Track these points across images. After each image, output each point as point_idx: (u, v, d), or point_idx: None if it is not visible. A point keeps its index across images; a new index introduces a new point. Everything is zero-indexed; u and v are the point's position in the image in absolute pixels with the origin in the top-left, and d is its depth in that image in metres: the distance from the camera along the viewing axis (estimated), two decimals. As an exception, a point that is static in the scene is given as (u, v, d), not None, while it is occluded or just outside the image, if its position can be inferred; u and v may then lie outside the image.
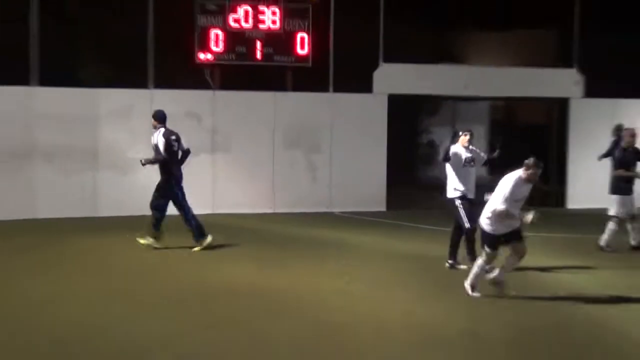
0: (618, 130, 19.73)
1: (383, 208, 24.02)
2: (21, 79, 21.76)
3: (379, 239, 19.27)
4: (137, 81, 22.96)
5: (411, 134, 29.57)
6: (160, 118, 17.31)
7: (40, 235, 18.04)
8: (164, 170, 17.21)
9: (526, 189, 12.90)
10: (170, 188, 17.28)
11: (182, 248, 17.25)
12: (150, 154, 17.48)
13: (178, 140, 17.31)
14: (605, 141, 22.40)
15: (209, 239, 17.12)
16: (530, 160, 12.78)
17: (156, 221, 17.40)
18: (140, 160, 17.37)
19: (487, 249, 12.90)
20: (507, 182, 13.14)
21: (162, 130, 17.10)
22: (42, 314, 11.96)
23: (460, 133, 15.73)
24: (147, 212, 20.12)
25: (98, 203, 21.54)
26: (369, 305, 12.59)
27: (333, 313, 12.06)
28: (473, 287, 12.91)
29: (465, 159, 15.49)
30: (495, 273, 12.83)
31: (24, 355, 10.04)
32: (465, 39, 32.62)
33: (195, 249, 16.97)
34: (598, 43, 25.76)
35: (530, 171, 12.60)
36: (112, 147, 21.93)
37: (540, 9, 27.45)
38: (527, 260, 14.04)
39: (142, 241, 17.05)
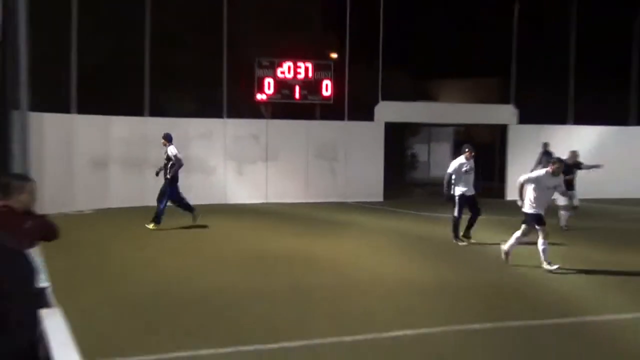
0: (545, 146, 19.85)
1: (381, 199, 23.71)
2: (137, 112, 21.84)
3: (378, 220, 19.14)
4: (215, 113, 23.02)
5: (400, 149, 29.28)
6: (169, 138, 17.15)
7: (147, 217, 17.73)
8: (173, 172, 16.99)
9: (554, 180, 12.51)
10: (171, 184, 16.98)
11: (244, 235, 17.42)
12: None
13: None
14: (533, 152, 22.77)
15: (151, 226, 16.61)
16: (554, 158, 13.42)
17: (186, 206, 17.40)
18: (156, 172, 17.35)
19: (537, 226, 12.32)
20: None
21: (172, 146, 17.01)
22: (147, 271, 12.35)
23: (466, 150, 15.50)
24: (224, 201, 20.55)
25: (189, 194, 21.68)
26: (371, 264, 12.85)
27: (348, 268, 12.36)
28: (507, 254, 12.66)
29: (467, 167, 15.38)
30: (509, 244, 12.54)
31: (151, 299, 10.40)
32: (436, 83, 32.67)
33: (149, 226, 16.58)
34: (528, 86, 25.88)
35: (555, 166, 12.41)
36: (198, 158, 21.88)
37: (488, 63, 27.55)
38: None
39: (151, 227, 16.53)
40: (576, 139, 25.07)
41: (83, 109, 20.62)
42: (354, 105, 24.47)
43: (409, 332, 8.38)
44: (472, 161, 15.53)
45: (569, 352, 7.74)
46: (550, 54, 26.11)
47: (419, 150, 33.25)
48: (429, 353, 7.66)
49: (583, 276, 11.84)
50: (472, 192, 15.54)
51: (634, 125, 26.54)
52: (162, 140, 17.21)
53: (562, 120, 26.05)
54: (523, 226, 12.77)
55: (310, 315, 9.13)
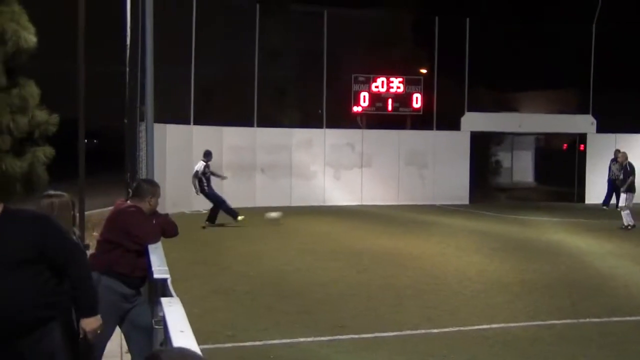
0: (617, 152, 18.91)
1: (467, 202, 23.52)
2: (247, 122, 22.23)
3: (464, 221, 18.86)
4: (315, 124, 23.32)
5: (485, 156, 29.12)
6: (206, 155, 17.33)
7: (255, 217, 17.67)
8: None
9: None
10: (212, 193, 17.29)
11: (342, 234, 17.41)
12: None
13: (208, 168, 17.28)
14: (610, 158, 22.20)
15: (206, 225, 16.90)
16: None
17: (230, 210, 17.42)
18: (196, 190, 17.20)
19: None
20: None
21: (200, 162, 17.19)
22: (253, 265, 12.47)
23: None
24: (323, 203, 20.72)
25: (292, 197, 21.94)
26: (456, 263, 12.67)
27: (436, 266, 12.26)
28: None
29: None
30: None
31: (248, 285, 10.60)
32: (518, 95, 32.19)
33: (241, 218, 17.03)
34: (606, 96, 25.24)
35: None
36: (300, 164, 22.30)
37: (567, 74, 27.03)
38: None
39: (239, 219, 16.99)
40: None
41: (199, 120, 21.08)
42: (441, 116, 24.40)
43: (491, 325, 8.27)
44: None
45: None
46: (628, 65, 25.38)
47: (503, 157, 32.67)
48: (510, 346, 7.54)
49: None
50: None
51: None
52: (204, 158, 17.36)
53: (638, 130, 25.28)
54: None
55: (401, 309, 9.09)
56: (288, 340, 7.46)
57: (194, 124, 20.94)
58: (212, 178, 17.58)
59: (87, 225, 12.33)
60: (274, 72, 23.92)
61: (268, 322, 8.21)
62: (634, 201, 17.49)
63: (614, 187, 19.86)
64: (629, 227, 16.97)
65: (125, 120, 15.90)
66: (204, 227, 16.71)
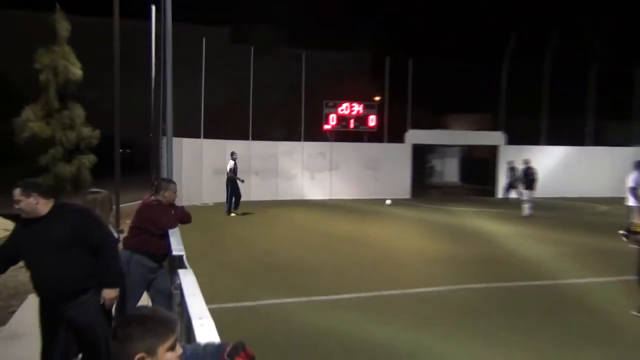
0: (525, 162, 18.30)
1: (409, 197, 23.55)
2: (245, 137, 21.99)
3: (407, 211, 18.79)
4: (296, 138, 23.16)
5: (422, 162, 29.37)
6: (233, 155, 17.35)
7: (251, 208, 18.24)
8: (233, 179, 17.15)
9: None
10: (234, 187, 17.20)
11: (316, 221, 17.33)
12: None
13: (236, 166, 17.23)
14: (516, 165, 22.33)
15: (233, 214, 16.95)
16: None
17: (237, 203, 17.30)
18: (238, 178, 17.26)
19: None
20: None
21: (231, 161, 17.24)
22: (248, 245, 12.46)
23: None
24: (301, 197, 20.68)
25: (278, 193, 21.89)
26: (402, 242, 12.69)
27: (386, 245, 12.28)
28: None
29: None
30: None
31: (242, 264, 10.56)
32: (448, 117, 32.56)
33: (233, 214, 16.90)
34: (513, 116, 25.57)
35: None
36: (284, 168, 22.18)
37: (484, 100, 27.36)
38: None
39: (232, 214, 16.87)
40: (548, 157, 24.61)
41: (208, 136, 21.04)
42: (390, 132, 24.46)
43: (429, 289, 8.33)
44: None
45: (550, 307, 7.52)
46: (529, 94, 25.80)
47: (436, 163, 33.06)
48: (441, 304, 7.58)
49: (552, 250, 11.51)
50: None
51: (589, 146, 25.93)
52: (231, 159, 17.37)
53: (537, 142, 25.68)
54: None
55: (360, 278, 9.10)
56: (274, 301, 7.46)
57: (204, 138, 20.91)
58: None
59: (121, 215, 12.28)
60: (265, 99, 23.96)
61: (259, 288, 8.19)
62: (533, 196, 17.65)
63: (513, 185, 19.84)
64: (528, 216, 17.14)
65: (151, 135, 15.85)
66: (235, 215, 16.92)
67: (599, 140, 26.86)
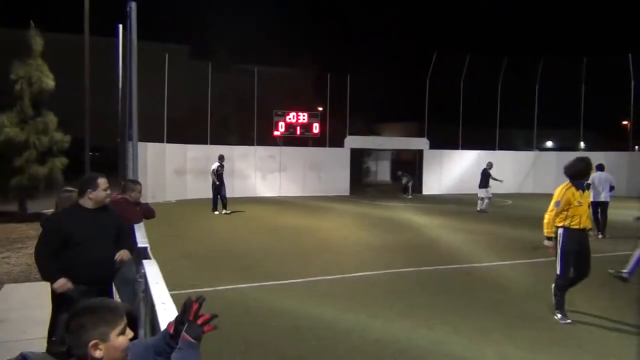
0: (488, 165, 17.59)
1: (348, 193, 23.68)
2: (204, 142, 21.79)
3: (346, 206, 18.93)
4: (250, 142, 22.92)
5: (359, 164, 29.63)
6: (220, 158, 16.23)
7: (191, 205, 17.86)
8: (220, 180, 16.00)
9: None
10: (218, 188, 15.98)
11: (267, 216, 17.19)
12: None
13: (222, 167, 16.10)
14: (439, 166, 22.75)
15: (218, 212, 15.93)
16: None
17: (224, 203, 16.19)
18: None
19: None
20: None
21: (216, 163, 16.10)
22: (208, 237, 12.25)
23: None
24: (254, 195, 20.38)
25: (234, 191, 21.57)
26: (342, 233, 12.74)
27: (328, 235, 12.28)
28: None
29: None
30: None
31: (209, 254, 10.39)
32: (381, 125, 32.95)
33: (217, 212, 15.90)
34: (435, 125, 26.12)
35: None
36: (239, 169, 21.91)
37: (411, 110, 27.81)
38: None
39: (224, 212, 15.91)
40: (464, 159, 25.29)
41: (171, 140, 20.68)
42: (332, 138, 24.60)
43: (365, 273, 8.38)
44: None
45: (465, 287, 7.70)
46: (448, 106, 26.43)
47: (370, 165, 33.43)
48: (374, 286, 7.65)
49: (467, 238, 11.82)
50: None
51: (498, 150, 26.78)
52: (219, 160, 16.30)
53: (455, 147, 26.32)
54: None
55: (306, 264, 9.08)
56: (232, 286, 7.37)
57: (167, 142, 20.51)
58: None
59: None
60: (222, 108, 23.68)
61: (218, 275, 8.07)
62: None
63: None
64: (483, 211, 16.86)
65: (118, 139, 15.38)
66: (223, 213, 15.91)
67: (506, 145, 27.81)
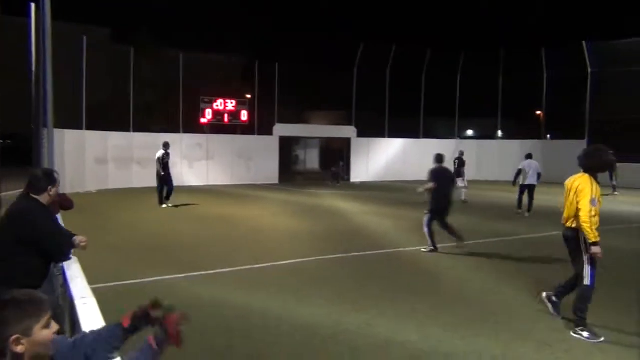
0: (460, 153, 17.93)
1: (277, 182, 23.75)
2: (126, 129, 21.12)
3: (275, 194, 18.94)
4: (176, 130, 22.27)
5: (288, 152, 29.66)
6: (165, 145, 14.99)
7: (114, 195, 17.39)
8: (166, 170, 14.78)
9: None
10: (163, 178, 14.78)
11: (195, 205, 16.93)
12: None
13: (168, 155, 14.93)
14: (366, 154, 23.17)
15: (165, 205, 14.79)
16: None
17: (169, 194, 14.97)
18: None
19: None
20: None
21: (160, 151, 14.85)
22: (132, 228, 11.94)
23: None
24: (181, 184, 19.88)
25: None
26: (271, 221, 12.73)
27: (257, 224, 12.23)
28: None
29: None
30: None
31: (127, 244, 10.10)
32: (310, 113, 33.08)
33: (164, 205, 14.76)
34: (362, 113, 26.59)
35: None
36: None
37: (340, 99, 28.14)
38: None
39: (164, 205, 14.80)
40: (390, 147, 25.93)
41: (90, 127, 19.91)
42: (260, 126, 24.53)
43: (294, 260, 8.41)
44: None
45: (392, 271, 7.90)
46: (374, 95, 26.94)
47: (299, 153, 33.48)
48: (305, 272, 7.71)
49: (393, 224, 12.14)
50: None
51: (423, 139, 27.66)
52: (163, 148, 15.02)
53: (382, 135, 26.93)
54: None
55: (235, 253, 8.99)
56: (158, 278, 7.17)
57: (87, 129, 19.62)
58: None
59: (3, 203, 11.13)
60: (146, 94, 22.90)
61: (144, 267, 7.83)
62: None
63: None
64: (466, 201, 16.62)
65: (33, 126, 14.52)
66: (166, 206, 14.68)
67: (429, 133, 28.79)
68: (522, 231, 11.47)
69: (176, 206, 14.84)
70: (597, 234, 4.96)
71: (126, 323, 2.02)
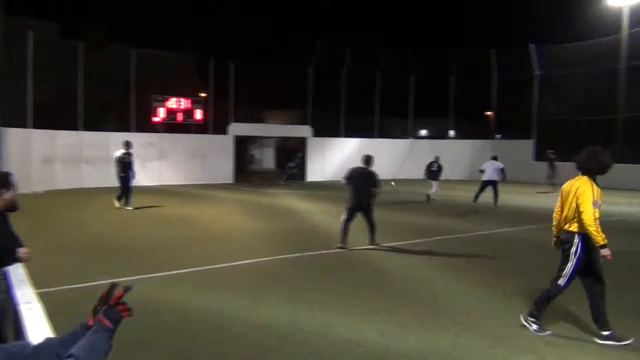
0: (436, 158, 17.61)
1: (232, 181, 23.56)
2: (74, 127, 20.58)
3: (231, 194, 18.82)
4: (127, 129, 21.78)
5: (244, 151, 29.51)
6: (126, 144, 14.24)
7: (62, 196, 16.78)
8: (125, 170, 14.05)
9: None
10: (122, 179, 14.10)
11: (149, 206, 16.60)
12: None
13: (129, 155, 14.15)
14: (323, 154, 23.24)
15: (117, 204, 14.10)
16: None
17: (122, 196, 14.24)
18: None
19: None
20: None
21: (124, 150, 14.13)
22: (83, 229, 11.63)
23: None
24: (134, 184, 19.69)
25: (110, 180, 20.67)
26: (227, 221, 12.67)
27: (213, 224, 12.14)
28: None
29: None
30: None
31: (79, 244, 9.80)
32: (265, 112, 32.93)
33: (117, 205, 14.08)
34: (318, 113, 26.70)
35: None
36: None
37: (295, 98, 28.18)
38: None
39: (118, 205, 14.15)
40: (346, 146, 26.11)
41: (37, 126, 19.24)
42: (216, 125, 24.27)
43: (250, 260, 8.35)
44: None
45: (348, 269, 7.97)
46: (330, 94, 27.10)
47: (255, 152, 33.37)
48: (261, 272, 7.68)
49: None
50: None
51: (378, 138, 28.02)
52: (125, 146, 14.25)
53: (337, 134, 27.11)
54: None
55: (190, 254, 8.86)
56: (110, 281, 6.93)
57: (34, 128, 18.92)
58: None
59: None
60: (96, 92, 22.23)
61: (95, 270, 7.57)
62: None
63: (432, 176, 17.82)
64: (433, 200, 16.87)
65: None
66: (119, 207, 14.01)
67: (384, 133, 29.18)
68: (474, 228, 11.79)
69: (137, 208, 14.31)
70: (604, 236, 4.81)
71: (91, 321, 1.95)
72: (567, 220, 5.12)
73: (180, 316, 5.64)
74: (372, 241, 9.50)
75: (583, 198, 4.89)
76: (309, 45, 26.54)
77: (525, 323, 5.23)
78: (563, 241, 5.16)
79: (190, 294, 6.48)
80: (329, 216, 13.40)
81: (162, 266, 7.84)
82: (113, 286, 1.97)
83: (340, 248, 9.16)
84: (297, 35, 32.88)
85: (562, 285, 5.10)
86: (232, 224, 12.17)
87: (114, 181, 18.28)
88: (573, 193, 5.03)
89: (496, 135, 30.44)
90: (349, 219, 9.36)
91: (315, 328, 5.28)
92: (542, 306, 5.22)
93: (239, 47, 29.51)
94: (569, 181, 5.23)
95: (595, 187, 4.93)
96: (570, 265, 5.03)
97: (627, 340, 4.89)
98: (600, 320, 5.02)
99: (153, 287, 6.76)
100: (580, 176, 5.07)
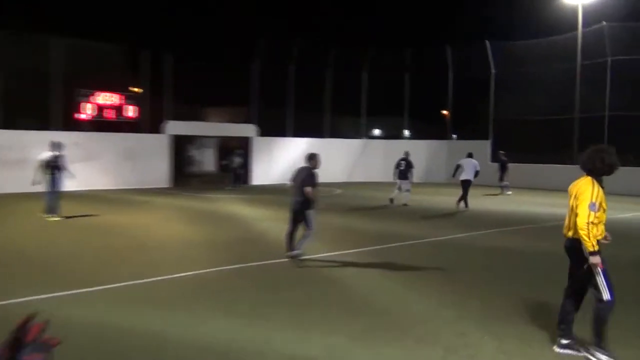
0: (406, 154, 17.26)
1: (169, 185, 23.20)
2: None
3: (167, 199, 18.54)
4: (47, 127, 21.12)
5: (181, 152, 29.01)
6: (54, 146, 13.47)
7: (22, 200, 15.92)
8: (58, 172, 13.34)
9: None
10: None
11: (74, 215, 16.00)
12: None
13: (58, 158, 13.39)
14: (269, 154, 23.09)
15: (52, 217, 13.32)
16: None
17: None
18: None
19: None
20: None
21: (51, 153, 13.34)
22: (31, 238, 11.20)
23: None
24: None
25: (27, 185, 19.89)
26: (163, 229, 12.41)
27: (146, 232, 11.88)
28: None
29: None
30: None
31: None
32: (206, 110, 32.51)
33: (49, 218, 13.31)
34: (264, 111, 26.63)
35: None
36: (35, 159, 20.14)
37: (239, 97, 27.97)
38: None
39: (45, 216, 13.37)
40: (294, 147, 26.09)
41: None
42: (151, 124, 23.85)
43: (189, 273, 8.18)
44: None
45: (293, 281, 7.92)
46: (278, 89, 27.09)
47: (194, 153, 32.74)
48: (199, 285, 7.54)
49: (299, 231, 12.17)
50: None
51: (328, 138, 28.19)
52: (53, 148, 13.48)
53: (285, 134, 27.09)
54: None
55: (118, 267, 8.57)
56: (26, 299, 6.61)
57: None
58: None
59: None
60: (9, 85, 21.31)
61: (8, 286, 7.20)
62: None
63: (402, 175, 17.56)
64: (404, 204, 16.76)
65: None
66: (47, 218, 13.21)
67: (335, 133, 29.37)
68: (427, 234, 11.99)
69: (68, 217, 13.70)
70: (595, 242, 4.72)
71: (6, 354, 1.78)
72: (569, 227, 5.08)
73: (98, 336, 5.42)
74: (297, 248, 8.90)
75: (580, 199, 4.84)
76: (252, 41, 26.49)
77: (593, 359, 4.91)
78: (567, 249, 5.15)
79: (112, 311, 6.26)
80: (275, 223, 13.29)
81: (82, 281, 7.51)
82: (29, 319, 1.82)
83: (289, 257, 9.06)
84: (240, 31, 32.72)
85: (609, 299, 4.80)
86: (169, 233, 11.90)
87: (31, 186, 17.56)
88: (573, 196, 5.01)
89: (452, 136, 31.18)
90: (291, 225, 9.10)
91: (257, 345, 5.20)
92: (601, 330, 4.90)
93: (178, 39, 29.04)
94: (573, 182, 5.16)
95: (597, 188, 4.84)
96: (599, 278, 4.81)
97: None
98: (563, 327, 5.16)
99: (69, 305, 6.48)
100: (585, 176, 5.03)
